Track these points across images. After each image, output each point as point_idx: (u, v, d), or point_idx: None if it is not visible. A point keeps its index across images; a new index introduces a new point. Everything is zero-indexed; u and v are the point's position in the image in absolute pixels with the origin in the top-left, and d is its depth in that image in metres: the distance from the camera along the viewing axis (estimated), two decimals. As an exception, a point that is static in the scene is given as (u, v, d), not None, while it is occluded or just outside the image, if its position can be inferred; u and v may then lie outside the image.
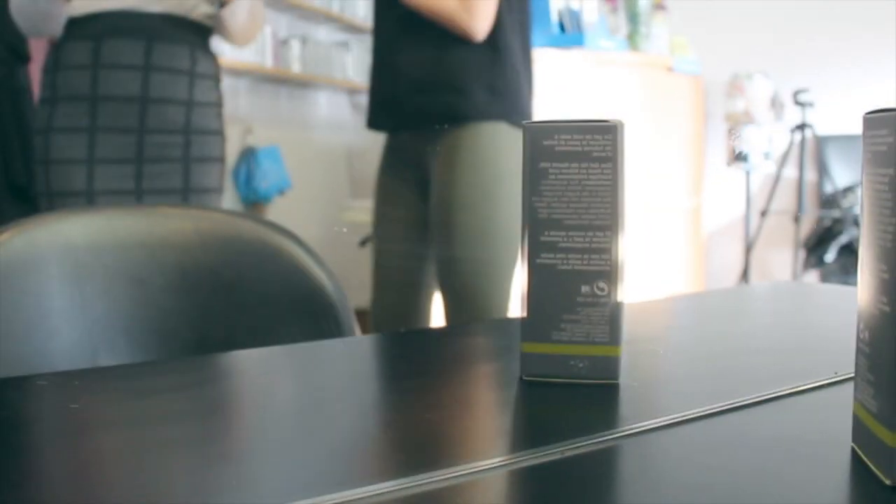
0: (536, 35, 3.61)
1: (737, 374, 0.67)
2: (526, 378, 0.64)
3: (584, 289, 0.63)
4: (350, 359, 0.73)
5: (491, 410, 0.62)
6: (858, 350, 0.49)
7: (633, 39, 3.85)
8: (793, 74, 4.04)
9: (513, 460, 0.49)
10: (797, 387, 0.63)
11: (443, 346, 0.76)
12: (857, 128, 0.49)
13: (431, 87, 1.98)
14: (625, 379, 0.65)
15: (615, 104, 3.63)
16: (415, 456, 0.50)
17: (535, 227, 0.64)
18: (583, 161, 0.63)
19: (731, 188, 4.34)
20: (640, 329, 0.85)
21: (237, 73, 3.65)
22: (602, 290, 0.63)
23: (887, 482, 0.45)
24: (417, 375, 0.68)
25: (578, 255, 0.63)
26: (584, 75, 3.53)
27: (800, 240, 4.04)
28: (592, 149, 0.63)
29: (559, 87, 3.48)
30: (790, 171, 4.08)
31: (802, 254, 4.03)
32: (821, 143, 4.01)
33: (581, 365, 0.63)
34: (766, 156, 3.95)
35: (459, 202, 1.97)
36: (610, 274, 0.63)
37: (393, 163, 2.10)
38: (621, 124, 0.63)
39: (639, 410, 0.60)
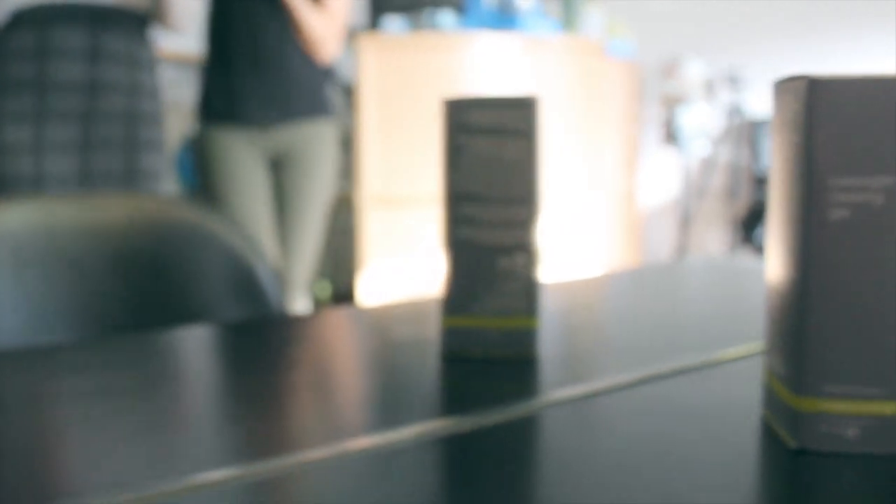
0: (471, 17, 3.62)
1: (657, 346, 0.68)
2: (446, 351, 0.65)
3: (502, 262, 0.63)
4: (266, 339, 0.73)
5: (407, 383, 0.63)
6: (769, 316, 0.50)
7: (567, 22, 3.87)
8: (728, 57, 4.09)
9: (429, 430, 0.50)
10: (716, 357, 0.64)
11: (359, 326, 0.76)
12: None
13: (307, 84, 2.42)
14: (545, 351, 0.65)
15: (549, 86, 3.64)
16: (328, 425, 0.50)
17: (454, 201, 0.64)
18: (500, 136, 0.63)
19: (667, 169, 4.38)
20: (564, 304, 0.85)
21: (182, 62, 3.61)
22: (519, 262, 0.63)
23: (792, 446, 0.46)
24: (333, 354, 0.68)
25: (496, 229, 0.63)
26: (518, 58, 3.54)
27: (735, 218, 4.09)
28: (509, 124, 0.63)
29: (493, 69, 3.48)
30: (725, 152, 4.13)
31: (737, 232, 4.09)
32: (754, 124, 4.07)
33: (500, 339, 0.64)
34: (701, 137, 4.00)
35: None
36: (527, 247, 0.63)
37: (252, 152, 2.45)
38: (537, 100, 0.63)
39: (557, 381, 0.60)
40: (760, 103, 4.03)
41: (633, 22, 4.26)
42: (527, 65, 3.58)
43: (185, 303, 1.14)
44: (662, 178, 4.42)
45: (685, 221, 4.20)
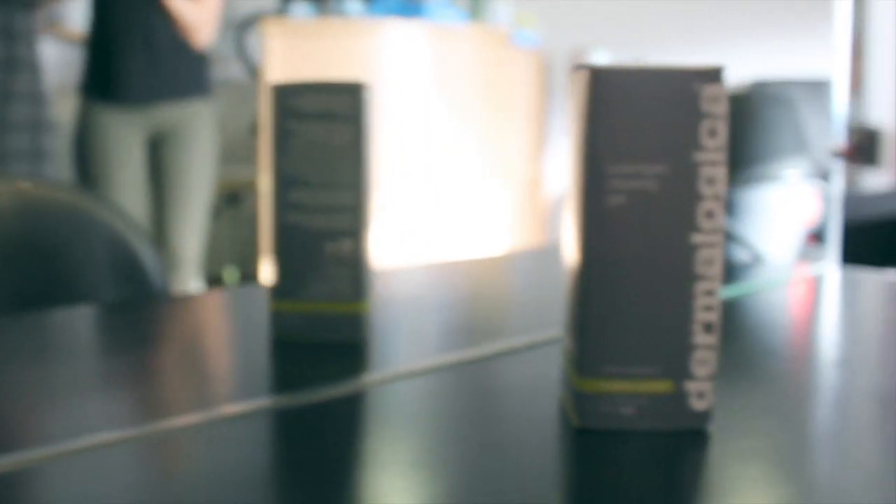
0: (378, 4, 3.61)
1: (485, 329, 0.70)
2: (276, 336, 0.65)
3: (331, 247, 0.64)
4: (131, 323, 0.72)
5: (235, 364, 0.63)
6: (565, 301, 0.51)
7: (474, 12, 3.88)
8: (634, 47, 4.13)
9: (256, 406, 0.50)
10: (538, 339, 0.66)
11: (195, 312, 0.76)
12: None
13: (185, 65, 2.47)
14: (378, 334, 0.66)
15: (455, 75, 3.66)
16: (165, 398, 0.50)
17: (282, 186, 0.64)
18: (328, 121, 0.64)
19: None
20: (407, 289, 0.86)
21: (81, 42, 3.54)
22: (347, 248, 0.64)
23: (575, 424, 0.48)
24: (184, 336, 0.68)
25: (324, 214, 0.64)
26: (424, 46, 3.54)
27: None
28: (338, 109, 0.64)
29: (399, 57, 3.48)
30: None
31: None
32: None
33: (328, 323, 0.64)
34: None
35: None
36: (355, 232, 0.64)
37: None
38: (367, 86, 0.64)
39: (381, 363, 0.61)
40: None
41: (541, 12, 4.29)
42: (433, 53, 3.59)
43: (68, 287, 1.13)
44: (568, 166, 4.45)
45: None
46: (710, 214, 0.45)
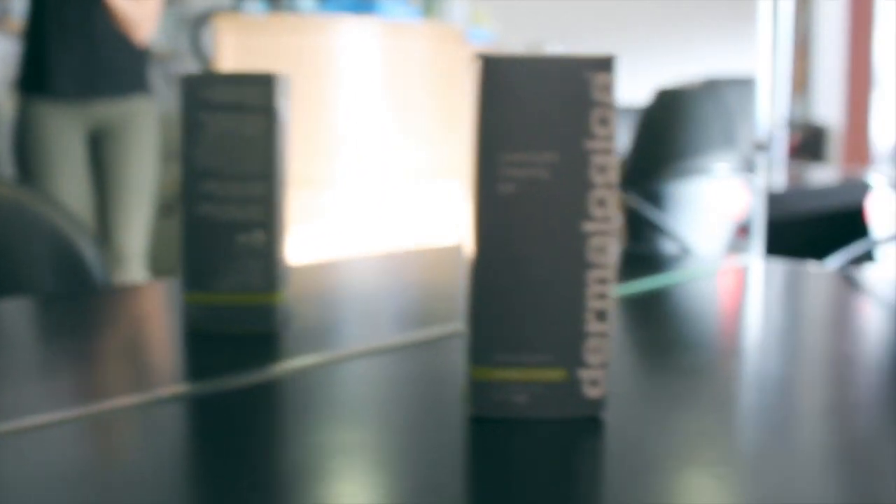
0: (330, 1, 3.60)
1: (396, 321, 0.70)
2: (189, 327, 0.65)
3: (242, 238, 0.64)
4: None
5: (147, 352, 0.63)
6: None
7: (427, 8, 3.88)
8: (588, 44, 4.15)
9: (167, 394, 0.50)
10: (452, 331, 0.66)
11: (118, 304, 0.76)
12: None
13: (125, 61, 2.42)
14: (294, 324, 0.66)
15: (408, 71, 3.65)
16: (71, 389, 0.50)
17: (193, 177, 0.64)
18: (239, 112, 0.63)
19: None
20: (328, 281, 0.86)
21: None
22: (258, 239, 0.64)
23: (470, 413, 0.48)
24: (106, 327, 0.67)
25: (235, 205, 0.64)
26: (376, 42, 3.53)
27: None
28: (248, 100, 0.63)
29: (352, 53, 3.47)
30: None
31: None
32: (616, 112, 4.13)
33: (241, 315, 0.64)
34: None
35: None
36: (267, 223, 0.64)
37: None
38: (277, 77, 0.64)
39: (295, 352, 0.61)
40: (619, 91, 4.11)
41: (496, 9, 4.29)
42: (385, 50, 3.58)
43: (9, 282, 1.12)
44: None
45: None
46: (601, 202, 0.46)
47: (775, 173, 2.71)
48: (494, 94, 0.45)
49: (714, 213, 1.05)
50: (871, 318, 0.77)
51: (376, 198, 3.66)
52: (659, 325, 0.73)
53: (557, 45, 4.15)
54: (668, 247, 1.02)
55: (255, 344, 0.62)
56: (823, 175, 3.13)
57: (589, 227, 0.46)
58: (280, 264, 0.65)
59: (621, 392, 0.53)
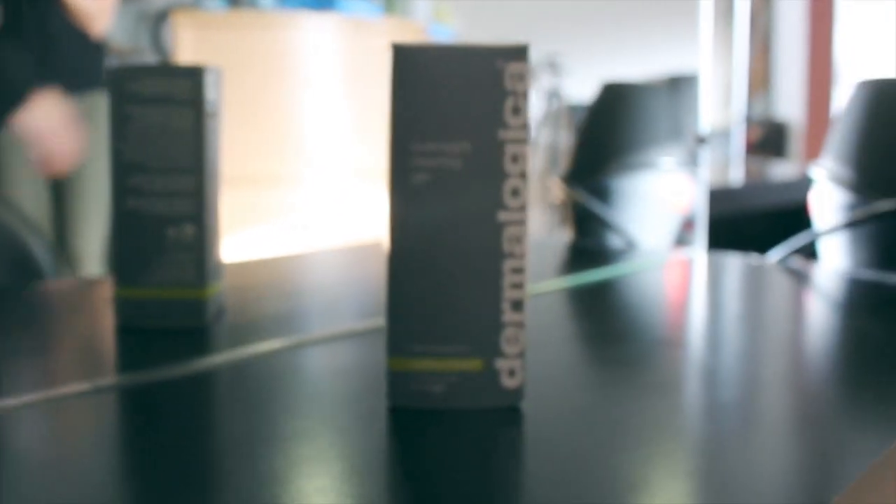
0: (290, -2, 3.58)
1: (328, 315, 0.70)
2: (121, 322, 0.64)
3: (171, 232, 0.63)
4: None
5: (78, 346, 0.62)
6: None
7: (389, 4, 3.87)
8: (548, 42, 4.16)
9: (97, 386, 0.50)
10: (373, 324, 0.66)
11: (44, 301, 0.75)
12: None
13: (80, 58, 2.46)
14: (230, 318, 0.66)
15: (369, 68, 3.65)
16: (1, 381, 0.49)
17: (121, 171, 0.63)
18: (166, 105, 0.63)
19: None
20: (262, 277, 0.86)
21: None
22: (188, 233, 0.63)
23: (388, 404, 0.48)
24: (25, 325, 0.67)
25: (164, 199, 0.63)
26: (337, 39, 3.53)
27: (553, 200, 4.17)
28: (176, 93, 0.63)
29: (312, 49, 3.46)
30: (544, 135, 4.21)
31: (556, 213, 4.17)
32: (573, 108, 4.15)
33: (171, 309, 0.64)
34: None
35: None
36: (196, 217, 0.63)
37: None
38: (207, 69, 0.63)
39: (225, 344, 0.61)
40: (580, 87, 4.12)
41: (459, 6, 4.29)
42: (346, 46, 3.58)
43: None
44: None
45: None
46: (515, 192, 0.46)
47: (733, 168, 2.72)
48: (407, 84, 0.45)
49: (660, 207, 1.05)
50: (803, 308, 0.78)
51: (336, 195, 3.65)
52: (599, 318, 0.73)
53: (521, 42, 4.15)
54: (614, 241, 1.02)
55: (186, 338, 0.62)
56: (784, 170, 3.15)
57: (503, 216, 0.46)
58: (211, 259, 0.64)
59: (551, 382, 0.53)
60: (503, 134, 0.45)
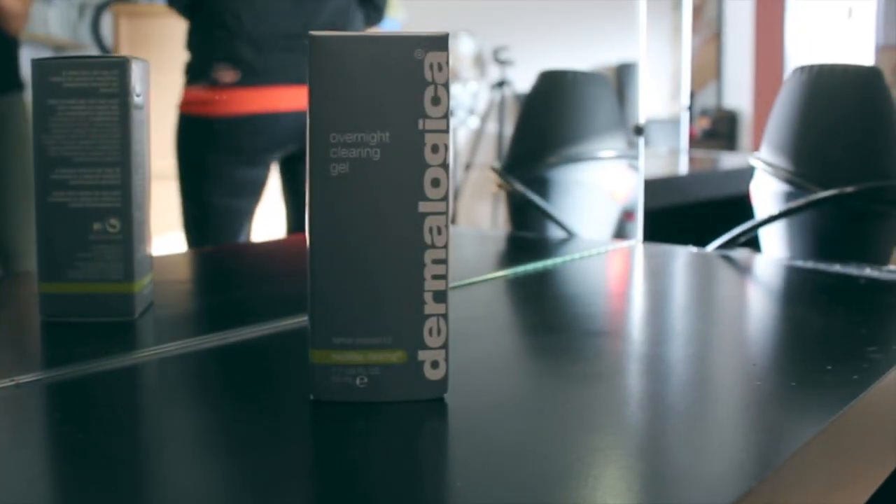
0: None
1: (260, 309, 0.69)
2: (45, 318, 0.63)
3: (96, 226, 0.62)
4: None
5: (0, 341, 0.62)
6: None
7: (336, -4, 3.85)
8: (495, 34, 4.16)
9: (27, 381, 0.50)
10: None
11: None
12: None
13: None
14: (159, 312, 0.65)
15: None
16: None
17: (45, 165, 0.62)
18: (90, 97, 0.62)
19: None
20: (197, 271, 0.85)
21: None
22: (114, 227, 0.63)
23: (312, 397, 0.47)
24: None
25: (89, 193, 0.62)
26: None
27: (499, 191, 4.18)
28: (100, 85, 0.62)
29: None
30: (492, 126, 4.21)
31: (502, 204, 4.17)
32: (519, 99, 4.16)
33: (97, 304, 0.63)
34: (470, 111, 4.06)
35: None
36: (122, 211, 0.63)
37: None
38: (132, 60, 0.62)
39: (151, 339, 0.60)
40: (525, 78, 4.13)
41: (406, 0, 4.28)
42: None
43: None
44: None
45: (454, 193, 4.27)
46: (436, 183, 0.45)
47: (680, 158, 2.74)
48: (325, 74, 0.45)
49: (599, 197, 1.06)
50: (741, 297, 0.78)
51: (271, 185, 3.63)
52: (534, 308, 0.73)
53: (466, 35, 4.14)
54: (552, 231, 1.03)
55: (112, 333, 0.61)
56: (733, 161, 3.17)
57: (424, 207, 0.45)
58: (138, 252, 0.63)
59: (481, 373, 0.52)
60: (423, 124, 0.45)
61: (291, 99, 1.33)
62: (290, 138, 1.32)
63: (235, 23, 1.50)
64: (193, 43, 1.74)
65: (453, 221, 4.37)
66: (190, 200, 1.25)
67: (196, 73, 1.55)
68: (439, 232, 0.46)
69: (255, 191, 1.37)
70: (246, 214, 1.48)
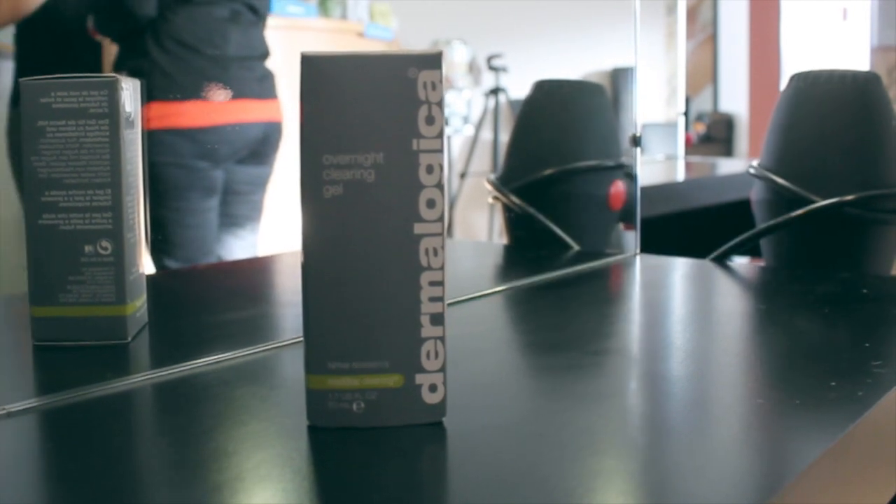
0: None
1: (254, 330, 0.68)
2: (36, 342, 0.62)
3: (88, 248, 0.62)
4: None
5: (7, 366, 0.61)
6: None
7: (323, 5, 3.85)
8: (489, 41, 4.16)
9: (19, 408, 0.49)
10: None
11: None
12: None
13: None
14: (152, 335, 0.64)
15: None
16: None
17: (35, 187, 0.61)
18: (80, 118, 0.61)
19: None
20: (186, 291, 0.84)
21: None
22: (106, 249, 0.62)
23: (308, 423, 0.46)
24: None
25: (80, 215, 0.61)
26: (270, 39, 3.50)
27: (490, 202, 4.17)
28: (89, 105, 0.61)
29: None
30: (486, 134, 4.21)
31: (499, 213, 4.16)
32: (514, 106, 4.15)
33: (89, 328, 0.62)
34: (465, 119, 4.06)
35: None
36: (114, 233, 0.62)
37: None
38: (122, 80, 0.62)
39: (145, 363, 0.60)
40: (519, 86, 4.12)
41: (397, 7, 4.27)
42: (281, 47, 3.55)
43: None
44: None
45: (449, 202, 4.26)
46: (431, 203, 0.44)
47: (677, 165, 2.74)
48: (317, 94, 0.44)
49: (597, 207, 1.05)
50: (742, 307, 0.77)
51: (273, 200, 3.62)
52: (533, 324, 0.72)
53: (459, 43, 4.14)
54: (550, 243, 1.02)
55: (105, 357, 0.60)
56: (730, 166, 3.17)
57: (419, 228, 0.44)
58: (130, 274, 0.63)
59: (480, 395, 0.52)
60: (417, 144, 0.44)
61: (255, 111, 1.35)
62: (246, 145, 1.33)
63: (194, 42, 1.51)
64: (145, 63, 1.74)
65: (449, 232, 4.37)
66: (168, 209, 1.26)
67: (163, 88, 1.56)
68: (435, 253, 0.45)
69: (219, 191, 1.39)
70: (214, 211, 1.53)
